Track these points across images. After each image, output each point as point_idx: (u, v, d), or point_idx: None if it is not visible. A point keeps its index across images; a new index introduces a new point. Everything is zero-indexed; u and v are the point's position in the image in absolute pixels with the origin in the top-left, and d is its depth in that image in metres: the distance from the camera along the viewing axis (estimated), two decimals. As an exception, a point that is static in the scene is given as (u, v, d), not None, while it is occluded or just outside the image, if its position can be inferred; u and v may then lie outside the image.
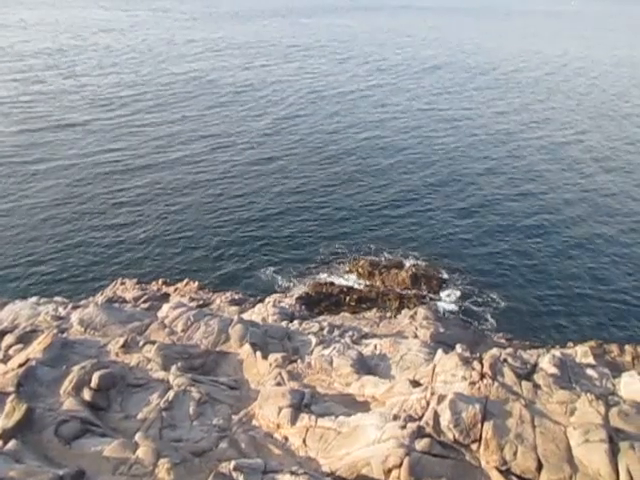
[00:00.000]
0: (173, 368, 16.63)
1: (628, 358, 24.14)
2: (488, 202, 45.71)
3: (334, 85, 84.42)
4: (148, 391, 15.90)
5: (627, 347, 25.00)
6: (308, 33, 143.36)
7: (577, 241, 40.22)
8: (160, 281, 30.73)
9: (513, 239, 40.04)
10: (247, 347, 17.68)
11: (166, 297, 27.05)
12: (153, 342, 18.05)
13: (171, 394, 15.37)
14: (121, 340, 18.10)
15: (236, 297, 26.76)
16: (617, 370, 19.16)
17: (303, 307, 26.78)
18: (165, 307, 21.57)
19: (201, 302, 26.18)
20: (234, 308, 24.27)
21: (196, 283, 29.75)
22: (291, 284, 33.25)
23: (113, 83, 75.86)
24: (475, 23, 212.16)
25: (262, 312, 22.88)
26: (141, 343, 18.03)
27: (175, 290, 29.15)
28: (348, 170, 50.52)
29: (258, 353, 17.30)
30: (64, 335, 18.55)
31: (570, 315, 32.51)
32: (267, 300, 25.50)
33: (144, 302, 24.92)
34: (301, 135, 59.36)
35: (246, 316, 22.10)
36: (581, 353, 16.03)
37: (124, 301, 25.13)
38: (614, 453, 12.78)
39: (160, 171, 48.16)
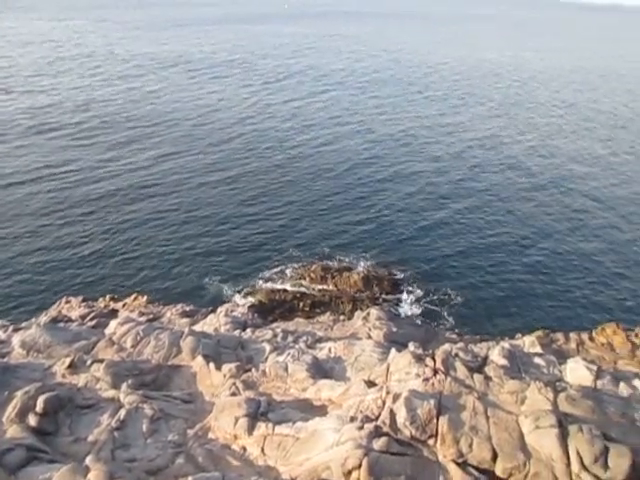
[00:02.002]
0: (124, 386, 16.11)
1: (573, 345, 25.07)
2: (439, 206, 46.61)
3: (283, 93, 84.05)
4: (98, 411, 15.35)
5: (572, 335, 25.96)
6: (252, 41, 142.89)
7: (524, 240, 41.61)
8: (107, 297, 29.74)
9: (464, 240, 40.96)
10: (200, 359, 17.32)
11: (114, 313, 26.18)
12: (101, 360, 17.44)
13: (122, 413, 14.88)
14: (67, 360, 17.38)
15: (187, 309, 26.18)
16: (563, 357, 19.89)
17: (256, 315, 26.49)
18: (113, 323, 20.89)
19: (151, 316, 25.47)
20: (185, 320, 23.75)
21: (145, 297, 28.94)
22: (243, 293, 32.86)
23: (50, 102, 72.46)
24: (415, 28, 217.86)
25: (214, 322, 22.50)
26: (89, 362, 17.39)
27: (124, 305, 28.28)
28: (299, 178, 50.42)
29: (211, 364, 16.98)
30: (5, 360, 17.68)
31: (519, 308, 33.60)
32: (219, 310, 25.06)
33: (91, 320, 24.03)
34: (251, 145, 58.71)
35: (198, 327, 21.67)
36: (529, 343, 16.55)
37: (69, 320, 24.16)
38: (564, 437, 13.23)
39: (102, 187, 46.57)
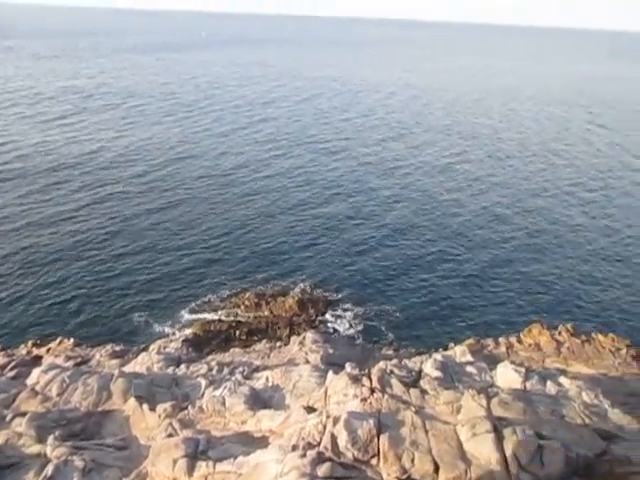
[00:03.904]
0: (50, 438, 15.11)
1: (503, 349, 26.13)
2: (371, 228, 47.41)
3: (206, 122, 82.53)
4: (22, 470, 14.29)
5: (501, 339, 27.08)
6: (172, 69, 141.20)
7: (453, 256, 43.11)
8: (29, 343, 27.95)
9: (398, 259, 41.81)
10: (132, 401, 16.55)
11: (37, 360, 24.61)
12: (24, 413, 16.29)
13: (50, 468, 13.93)
14: (-16, 418, 16.13)
15: (117, 349, 25.02)
16: (495, 362, 20.64)
17: (190, 349, 25.70)
18: (35, 372, 19.60)
19: (79, 360, 24.16)
20: (115, 361, 22.65)
21: (71, 340, 27.47)
22: (177, 327, 31.88)
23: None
24: (330, 53, 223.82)
25: (146, 361, 21.57)
26: (9, 417, 16.20)
27: (48, 351, 26.67)
28: (227, 209, 49.52)
29: (145, 406, 16.26)
30: None
31: (454, 318, 34.68)
32: (151, 347, 24.13)
33: (11, 370, 22.42)
34: (176, 177, 57.09)
35: (129, 368, 20.74)
36: (460, 352, 17.03)
37: (-14, 373, 22.46)
38: (500, 440, 13.63)
39: (21, 228, 44.00)
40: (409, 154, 70.25)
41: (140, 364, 21.26)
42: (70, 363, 23.27)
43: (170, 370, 20.37)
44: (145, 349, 24.56)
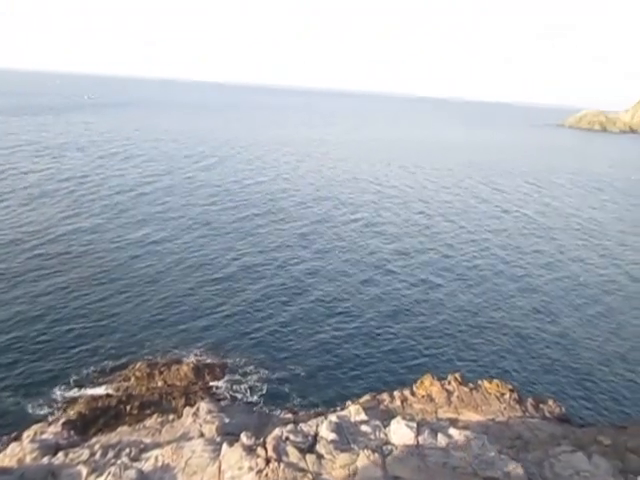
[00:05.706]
0: None
1: (398, 402, 26.63)
2: (267, 291, 47.19)
3: (101, 192, 77.69)
4: None
5: (395, 393, 27.64)
6: (50, 132, 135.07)
7: (353, 314, 44.15)
8: None
9: (294, 320, 41.78)
10: (-1, 502, 14.65)
11: None
12: None
13: None
14: None
15: (-17, 440, 22.19)
16: (391, 417, 20.94)
17: (73, 432, 23.37)
18: None
19: None
20: (-21, 456, 20.02)
21: None
22: (57, 407, 28.98)
23: None
24: (221, 117, 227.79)
25: (17, 452, 19.24)
26: None
27: None
28: (111, 280, 46.69)
29: (14, 505, 14.44)
30: None
31: (353, 374, 34.93)
32: (25, 435, 21.62)
33: None
34: (62, 249, 53.31)
35: (-3, 462, 18.44)
36: (354, 411, 17.09)
37: None
38: (397, 500, 13.69)
39: None
40: (309, 224, 71.46)
41: (10, 456, 18.91)
42: None
43: (46, 460, 18.31)
44: (17, 438, 21.93)
